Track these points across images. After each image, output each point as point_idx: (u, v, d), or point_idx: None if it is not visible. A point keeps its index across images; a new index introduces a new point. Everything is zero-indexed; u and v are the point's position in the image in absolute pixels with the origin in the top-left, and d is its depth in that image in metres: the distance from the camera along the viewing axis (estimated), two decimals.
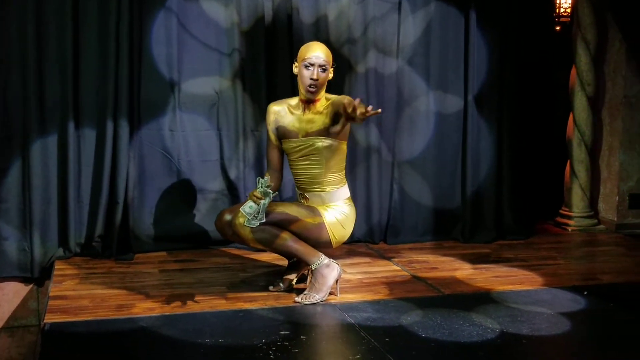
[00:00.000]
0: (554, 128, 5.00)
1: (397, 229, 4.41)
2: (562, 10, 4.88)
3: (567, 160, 4.88)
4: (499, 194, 4.53)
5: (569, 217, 4.84)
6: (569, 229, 4.80)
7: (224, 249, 4.13)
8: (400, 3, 4.31)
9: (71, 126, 3.90)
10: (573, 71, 4.79)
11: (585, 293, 3.41)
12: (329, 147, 3.26)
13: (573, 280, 3.66)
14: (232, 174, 4.17)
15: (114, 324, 2.96)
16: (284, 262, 3.52)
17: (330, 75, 3.31)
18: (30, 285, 3.95)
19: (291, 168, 3.39)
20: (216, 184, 4.16)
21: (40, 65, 3.85)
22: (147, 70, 4.01)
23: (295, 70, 3.31)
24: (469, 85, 4.46)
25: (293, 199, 3.78)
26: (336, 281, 3.29)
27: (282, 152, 3.43)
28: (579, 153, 4.80)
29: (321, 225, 3.26)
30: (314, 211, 3.28)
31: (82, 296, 3.30)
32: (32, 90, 3.84)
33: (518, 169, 4.58)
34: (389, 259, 4.05)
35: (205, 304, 3.21)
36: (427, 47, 4.41)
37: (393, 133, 4.37)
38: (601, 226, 4.84)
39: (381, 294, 3.40)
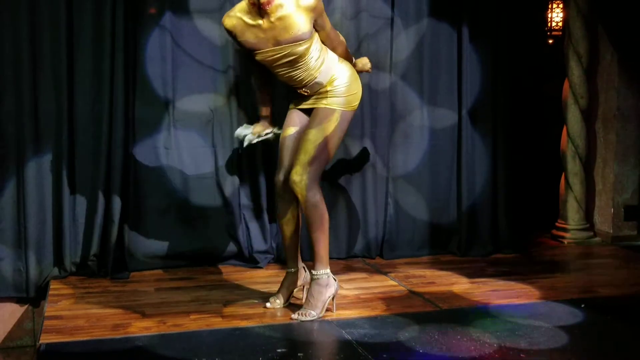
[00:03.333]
0: (548, 141, 5.02)
1: (393, 244, 4.41)
2: (553, 24, 4.92)
3: (561, 172, 4.90)
4: (495, 208, 4.54)
5: (565, 230, 4.85)
6: (565, 242, 4.80)
7: (220, 266, 4.11)
8: (392, 19, 4.34)
9: (66, 144, 3.90)
10: (566, 84, 4.82)
11: (583, 306, 3.41)
12: (307, 48, 3.15)
13: (570, 294, 3.66)
14: (228, 190, 4.16)
15: (110, 343, 2.94)
16: (279, 277, 3.51)
17: None
18: (26, 306, 3.93)
19: (275, 74, 3.28)
20: (212, 201, 4.15)
21: (35, 84, 3.86)
22: (142, 88, 4.02)
23: None
24: (462, 99, 4.47)
25: None
26: (332, 297, 3.28)
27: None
28: (573, 165, 4.82)
29: (341, 113, 3.24)
30: (323, 115, 3.21)
31: (78, 316, 3.28)
32: (27, 108, 3.84)
33: (513, 182, 4.58)
34: (385, 274, 4.04)
35: (202, 322, 3.19)
36: (420, 62, 4.43)
37: (387, 148, 4.38)
38: (597, 238, 4.85)
39: (378, 310, 3.39)
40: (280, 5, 3.07)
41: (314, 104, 3.31)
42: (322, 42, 3.28)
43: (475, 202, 4.51)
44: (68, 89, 3.90)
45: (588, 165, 4.87)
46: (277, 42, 3.12)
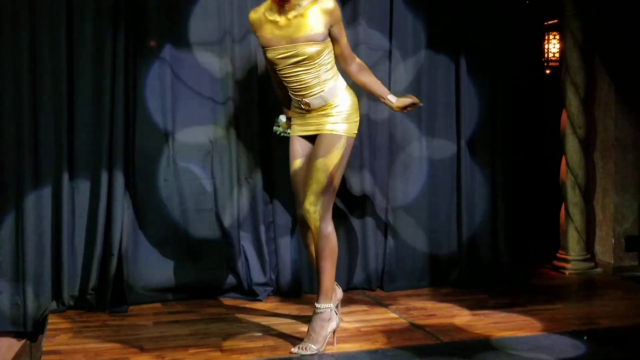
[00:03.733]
0: (547, 171, 5.03)
1: (393, 275, 4.38)
2: (550, 55, 4.96)
3: (562, 202, 4.89)
4: (495, 239, 4.52)
5: (566, 261, 4.82)
6: (567, 273, 4.78)
7: (219, 298, 4.08)
8: (390, 51, 4.37)
9: (65, 177, 3.89)
10: (564, 114, 4.84)
11: (585, 338, 3.37)
12: (319, 51, 3.14)
13: (572, 325, 3.63)
14: (227, 222, 4.15)
15: None
16: (279, 310, 3.48)
17: None
18: (23, 340, 3.87)
19: (282, 77, 3.26)
20: (211, 233, 4.13)
21: (35, 116, 3.86)
22: (142, 121, 4.03)
23: None
24: (461, 130, 4.49)
25: None
26: (334, 331, 3.25)
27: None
28: (573, 196, 4.81)
29: (346, 140, 3.24)
30: (330, 142, 3.19)
31: (76, 350, 3.24)
32: (27, 140, 3.85)
33: (513, 212, 4.58)
34: (386, 306, 4.01)
35: (201, 356, 3.16)
36: (418, 93, 4.42)
37: (387, 178, 4.38)
38: (598, 269, 4.83)
39: (379, 343, 3.35)
40: (298, 4, 3.11)
41: (317, 130, 3.26)
42: (336, 57, 3.27)
43: (475, 232, 4.49)
44: (68, 121, 3.91)
45: (588, 195, 4.87)
46: (290, 40, 3.13)
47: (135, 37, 4.00)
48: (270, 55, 3.20)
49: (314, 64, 3.16)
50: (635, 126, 4.79)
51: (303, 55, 3.13)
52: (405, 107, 3.43)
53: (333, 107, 3.24)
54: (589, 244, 4.89)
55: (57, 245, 3.90)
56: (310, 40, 3.12)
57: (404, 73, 4.41)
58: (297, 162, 3.32)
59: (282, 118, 3.56)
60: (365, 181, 4.33)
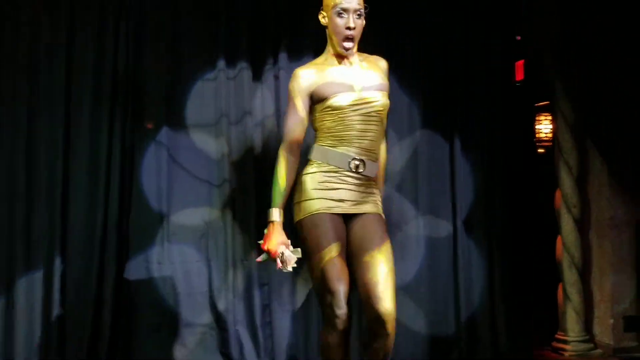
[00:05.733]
0: (544, 249, 5.00)
1: (392, 358, 4.27)
2: (543, 135, 5.03)
3: (559, 282, 4.85)
4: (494, 319, 4.45)
5: (565, 342, 4.74)
6: (566, 354, 4.68)
7: None
8: (386, 132, 4.39)
9: (57, 261, 3.84)
10: (558, 194, 4.85)
11: None
12: (387, 108, 2.81)
13: None
14: (221, 306, 4.07)
15: None
16: None
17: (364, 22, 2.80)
18: None
19: (342, 130, 2.72)
20: (204, 317, 4.05)
21: (29, 197, 3.85)
22: (137, 203, 4.01)
23: (323, 20, 2.80)
24: (457, 209, 4.48)
25: None
26: None
27: (305, 129, 2.81)
28: (570, 275, 4.77)
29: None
30: (382, 227, 2.76)
31: None
32: (19, 223, 3.80)
33: (511, 292, 4.52)
34: None
35: None
36: (414, 172, 4.47)
37: None
38: (598, 350, 4.74)
39: None
40: (354, 56, 2.83)
41: (360, 205, 2.75)
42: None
43: (474, 313, 4.43)
44: (62, 203, 3.90)
45: (585, 274, 4.83)
46: (364, 88, 2.78)
47: (132, 120, 4.02)
48: (335, 104, 2.73)
49: (382, 119, 2.82)
50: (629, 205, 4.81)
51: (378, 103, 2.78)
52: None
53: (374, 183, 2.84)
54: (587, 325, 4.82)
55: (46, 330, 3.81)
56: (382, 89, 2.81)
57: (399, 153, 4.43)
58: (336, 247, 2.69)
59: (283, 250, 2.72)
60: None
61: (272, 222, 2.72)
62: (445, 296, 4.44)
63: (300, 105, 2.74)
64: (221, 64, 4.15)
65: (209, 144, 4.13)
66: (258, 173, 4.16)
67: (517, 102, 4.80)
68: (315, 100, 2.75)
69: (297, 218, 2.80)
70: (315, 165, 2.77)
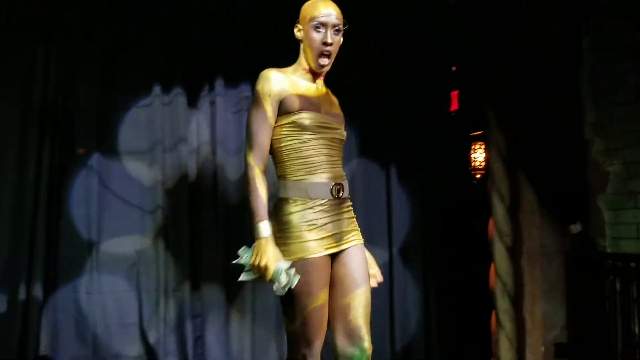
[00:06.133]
0: (479, 277, 5.05)
1: None
2: (477, 163, 5.11)
3: (492, 309, 4.90)
4: (429, 349, 4.47)
5: None
6: None
7: None
8: None
9: None
10: (491, 222, 4.92)
11: None
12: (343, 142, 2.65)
13: None
14: (152, 338, 3.97)
15: None
16: None
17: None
18: None
19: (312, 156, 2.51)
20: (134, 349, 3.95)
21: None
22: (65, 231, 3.90)
23: (298, 34, 2.58)
24: (393, 237, 4.51)
25: None
26: None
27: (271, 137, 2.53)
28: (502, 303, 4.83)
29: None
30: (365, 258, 2.60)
31: None
32: None
33: (446, 321, 4.56)
34: None
35: None
36: (352, 199, 4.44)
37: None
38: None
39: None
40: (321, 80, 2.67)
41: (347, 234, 2.57)
42: None
43: (409, 343, 4.44)
44: None
45: (517, 302, 4.89)
46: (328, 113, 2.61)
47: (61, 147, 3.91)
48: (303, 121, 2.52)
49: (340, 151, 2.64)
50: (559, 234, 4.91)
51: (339, 133, 2.62)
52: None
53: (349, 200, 2.65)
54: (520, 352, 4.88)
55: None
56: (340, 124, 2.65)
57: None
58: (324, 295, 2.49)
59: (282, 265, 2.41)
60: None
61: (264, 237, 2.41)
62: (381, 326, 4.42)
63: (270, 111, 2.49)
64: (157, 89, 4.09)
65: (142, 171, 4.06)
66: (192, 200, 4.10)
67: (453, 131, 4.88)
68: (282, 111, 2.52)
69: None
70: (300, 202, 2.50)
